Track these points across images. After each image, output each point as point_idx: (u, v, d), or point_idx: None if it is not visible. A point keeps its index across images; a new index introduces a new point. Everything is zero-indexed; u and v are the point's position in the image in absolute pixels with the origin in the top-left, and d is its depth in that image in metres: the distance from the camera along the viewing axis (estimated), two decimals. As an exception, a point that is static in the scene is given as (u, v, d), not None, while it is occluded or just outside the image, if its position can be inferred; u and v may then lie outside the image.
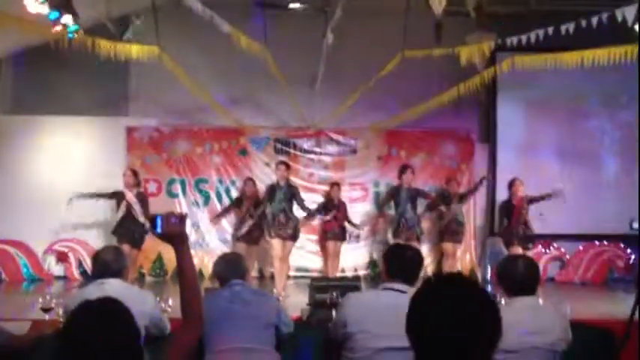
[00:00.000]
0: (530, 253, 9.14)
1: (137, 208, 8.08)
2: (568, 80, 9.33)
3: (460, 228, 8.87)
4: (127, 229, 8.05)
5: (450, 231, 8.78)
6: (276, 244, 8.09)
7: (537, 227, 8.65)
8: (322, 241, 9.32)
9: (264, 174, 9.65)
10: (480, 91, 9.00)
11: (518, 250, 8.17)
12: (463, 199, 8.99)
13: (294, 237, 8.15)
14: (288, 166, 8.35)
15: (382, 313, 3.11)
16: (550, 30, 6.46)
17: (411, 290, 3.21)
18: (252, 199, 8.69)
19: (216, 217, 9.26)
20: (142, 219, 8.04)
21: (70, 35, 6.46)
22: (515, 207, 8.50)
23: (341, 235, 9.00)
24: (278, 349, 3.54)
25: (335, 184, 9.15)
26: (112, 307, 1.95)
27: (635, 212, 4.68)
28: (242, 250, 8.03)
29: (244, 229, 8.49)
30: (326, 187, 9.33)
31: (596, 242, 9.93)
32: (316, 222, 9.45)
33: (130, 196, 8.13)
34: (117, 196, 8.24)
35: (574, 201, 9.88)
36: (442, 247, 9.00)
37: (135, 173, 8.43)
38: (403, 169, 8.65)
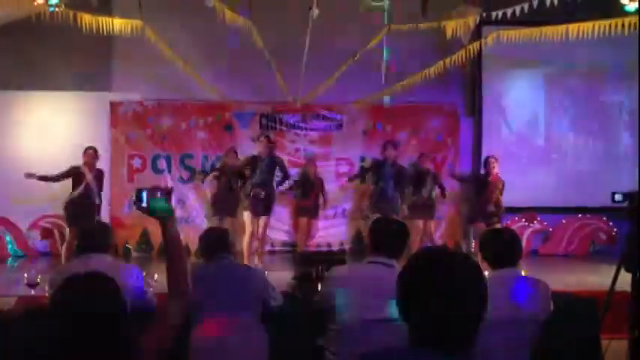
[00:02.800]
0: (514, 227, 9.26)
1: (95, 190, 8.09)
2: (553, 52, 9.35)
3: (431, 202, 8.76)
4: (82, 207, 8.03)
5: (420, 206, 8.68)
6: (247, 217, 8.09)
7: (522, 200, 8.70)
8: (294, 217, 9.35)
9: (250, 149, 9.62)
10: (466, 64, 9.01)
11: (483, 227, 8.14)
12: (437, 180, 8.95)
13: (267, 211, 8.15)
14: (270, 140, 8.32)
15: (367, 286, 3.15)
16: (535, 3, 6.47)
17: (397, 264, 3.24)
18: (231, 170, 8.68)
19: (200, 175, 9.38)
20: (97, 200, 8.07)
21: (52, 9, 6.39)
22: (490, 184, 8.49)
23: (314, 212, 9.02)
24: (265, 322, 3.57)
25: (310, 160, 9.16)
26: (98, 281, 1.97)
27: (614, 185, 4.76)
28: (216, 224, 8.04)
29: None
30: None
31: (579, 215, 10.04)
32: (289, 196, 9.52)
33: (90, 177, 8.08)
34: (75, 174, 8.14)
35: (557, 174, 10.01)
36: (413, 223, 8.88)
37: (96, 152, 8.29)
38: (386, 144, 8.66)
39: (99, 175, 8.30)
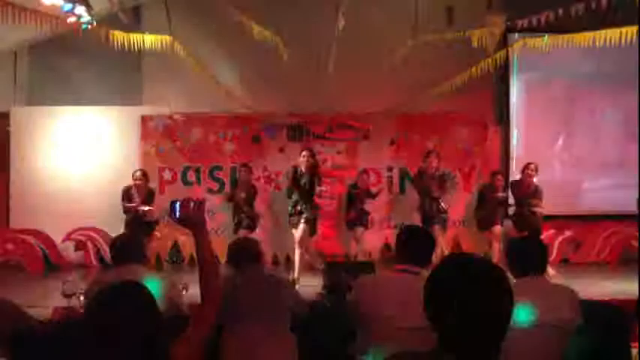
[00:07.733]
0: (545, 234, 9.17)
1: (146, 209, 8.18)
2: (581, 59, 9.30)
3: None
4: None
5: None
6: (294, 231, 8.09)
7: (552, 208, 8.58)
8: (349, 229, 9.18)
9: (278, 160, 9.71)
10: (493, 73, 8.98)
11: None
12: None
13: (309, 225, 8.13)
14: (312, 154, 8.14)
15: (395, 294, 3.17)
16: (560, 11, 6.46)
17: (423, 272, 3.27)
18: (245, 184, 8.70)
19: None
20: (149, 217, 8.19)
21: (84, 26, 6.56)
22: (523, 190, 8.45)
23: (359, 221, 8.92)
24: (294, 330, 3.61)
25: (362, 173, 9.02)
26: (134, 290, 2.03)
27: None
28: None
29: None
30: (339, 173, 9.32)
31: (611, 222, 9.90)
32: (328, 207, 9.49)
33: (138, 201, 8.16)
34: (126, 194, 8.27)
35: (587, 181, 9.89)
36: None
37: (145, 174, 8.44)
38: (429, 153, 8.63)
39: (148, 193, 8.36)
